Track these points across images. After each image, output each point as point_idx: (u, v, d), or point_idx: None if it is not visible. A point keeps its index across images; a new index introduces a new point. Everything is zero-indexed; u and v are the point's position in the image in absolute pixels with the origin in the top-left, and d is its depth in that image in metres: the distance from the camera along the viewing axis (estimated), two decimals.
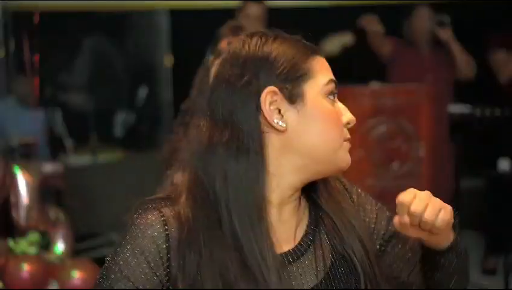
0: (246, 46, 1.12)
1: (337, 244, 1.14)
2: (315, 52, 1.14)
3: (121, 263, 1.08)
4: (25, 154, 4.03)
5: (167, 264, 1.07)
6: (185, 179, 1.12)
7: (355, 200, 1.21)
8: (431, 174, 2.86)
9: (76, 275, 2.97)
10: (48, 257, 3.47)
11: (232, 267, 1.04)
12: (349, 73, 4.20)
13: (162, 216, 1.08)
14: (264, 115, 1.08)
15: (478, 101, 3.89)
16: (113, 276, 1.08)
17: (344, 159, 1.12)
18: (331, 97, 1.13)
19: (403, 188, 3.25)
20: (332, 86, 1.13)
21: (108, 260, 1.11)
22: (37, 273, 3.30)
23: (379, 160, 2.82)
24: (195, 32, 5.17)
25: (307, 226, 1.15)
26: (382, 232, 1.20)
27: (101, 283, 1.10)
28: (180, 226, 1.08)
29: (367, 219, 1.20)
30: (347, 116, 1.14)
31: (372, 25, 4.26)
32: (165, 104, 5.38)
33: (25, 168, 3.51)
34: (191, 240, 1.06)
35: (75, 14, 5.45)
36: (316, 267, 1.12)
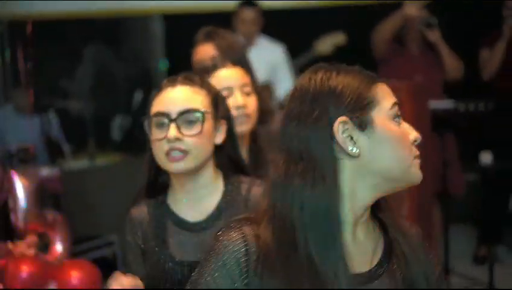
0: (313, 82, 1.19)
1: (406, 271, 1.19)
2: (376, 80, 1.22)
3: (206, 276, 1.17)
4: (23, 160, 4.05)
5: (246, 276, 1.15)
6: (264, 207, 1.20)
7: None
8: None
9: (75, 275, 3.02)
10: (47, 258, 3.52)
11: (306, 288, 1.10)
12: None
13: (243, 233, 1.17)
14: (338, 143, 1.16)
15: (463, 97, 3.95)
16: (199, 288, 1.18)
17: (416, 175, 1.20)
18: (397, 119, 1.21)
19: None
20: (396, 108, 1.21)
21: (194, 275, 1.20)
22: (36, 274, 3.35)
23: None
24: (189, 37, 5.20)
25: (383, 251, 1.21)
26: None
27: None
28: (259, 246, 1.16)
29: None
30: (413, 134, 1.21)
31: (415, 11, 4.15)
32: None
33: (22, 173, 3.56)
34: (268, 261, 1.14)
35: (69, 21, 5.49)
36: None
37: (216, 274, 1.17)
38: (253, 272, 1.15)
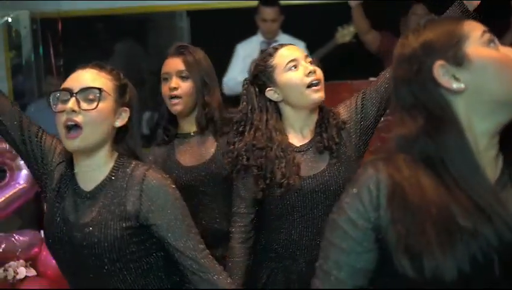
0: (405, 45, 1.27)
1: None
2: (461, 19, 1.28)
3: (343, 204, 1.25)
4: None
5: (377, 207, 1.20)
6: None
7: None
8: None
9: None
10: None
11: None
12: (351, 69, 4.32)
13: (377, 169, 1.23)
14: (444, 86, 1.21)
15: None
16: (338, 217, 1.25)
17: None
18: (492, 44, 1.23)
19: None
20: (487, 35, 1.24)
21: (335, 204, 1.28)
22: None
23: (378, 150, 2.87)
24: (212, 32, 5.29)
25: (502, 169, 1.25)
26: None
27: (331, 225, 1.26)
28: (392, 180, 1.20)
29: None
30: None
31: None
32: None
33: None
34: (400, 195, 1.18)
35: (97, 18, 5.61)
36: None
37: (350, 202, 1.23)
38: (385, 205, 1.19)
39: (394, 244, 1.17)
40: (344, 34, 4.75)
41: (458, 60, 1.22)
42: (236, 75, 4.65)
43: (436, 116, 1.20)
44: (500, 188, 1.22)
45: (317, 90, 2.12)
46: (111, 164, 1.80)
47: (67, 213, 1.79)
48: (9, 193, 3.43)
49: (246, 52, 4.65)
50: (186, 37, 5.64)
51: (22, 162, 3.48)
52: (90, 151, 1.77)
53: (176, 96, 2.46)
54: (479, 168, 1.19)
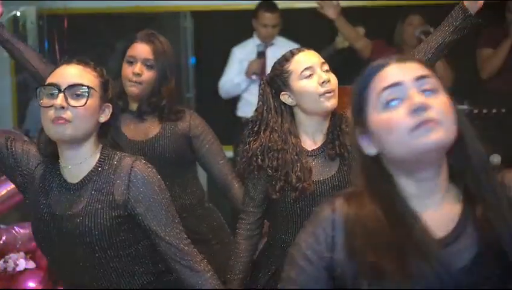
0: None
1: (487, 234, 1.20)
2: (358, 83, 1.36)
3: (301, 241, 1.32)
4: None
5: (332, 245, 1.26)
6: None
7: None
8: None
9: None
10: None
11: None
12: (353, 74, 4.34)
13: (334, 207, 1.28)
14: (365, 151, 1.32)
15: (479, 102, 4.02)
16: (295, 253, 1.31)
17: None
18: (393, 103, 1.25)
19: None
20: (385, 94, 1.27)
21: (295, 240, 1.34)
22: None
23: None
24: (216, 33, 5.31)
25: (459, 217, 1.25)
26: None
27: (289, 260, 1.33)
28: (347, 219, 1.25)
29: None
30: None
31: (330, 8, 4.33)
32: (187, 100, 5.48)
33: None
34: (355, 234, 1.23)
35: (103, 16, 5.63)
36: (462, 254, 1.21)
37: (306, 239, 1.29)
38: (342, 244, 1.23)
39: (353, 279, 1.22)
40: (343, 39, 4.79)
41: (364, 128, 1.26)
42: (232, 77, 4.66)
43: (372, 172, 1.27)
44: (454, 237, 1.22)
45: (330, 98, 2.15)
46: (97, 156, 1.85)
47: (54, 208, 1.84)
48: (11, 186, 3.45)
49: (242, 55, 4.66)
50: (189, 37, 5.66)
51: None
52: (76, 143, 1.80)
53: (136, 82, 2.57)
54: (409, 214, 1.21)
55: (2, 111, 5.66)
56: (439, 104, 1.21)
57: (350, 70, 5.22)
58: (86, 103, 1.76)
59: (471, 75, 4.39)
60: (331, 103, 2.15)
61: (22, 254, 3.41)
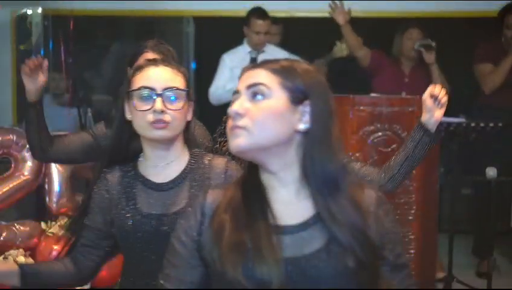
0: None
1: (334, 228, 1.30)
2: None
3: (177, 225, 1.42)
4: None
5: (200, 228, 1.36)
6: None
7: (371, 210, 1.35)
8: (422, 176, 2.92)
9: None
10: None
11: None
12: (354, 84, 4.40)
13: (206, 194, 1.40)
14: None
15: (477, 115, 4.07)
16: (173, 235, 1.42)
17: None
18: (259, 97, 1.35)
19: (396, 188, 3.39)
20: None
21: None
22: (65, 253, 3.53)
23: (375, 163, 2.92)
24: (217, 39, 5.35)
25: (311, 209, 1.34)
26: (388, 258, 1.35)
27: (169, 243, 1.42)
28: (215, 206, 1.37)
29: (377, 230, 1.34)
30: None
31: (340, 14, 4.40)
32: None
33: None
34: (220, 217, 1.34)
35: (108, 18, 5.68)
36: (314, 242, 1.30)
37: (181, 222, 1.40)
38: (207, 228, 1.35)
39: (212, 262, 1.31)
40: (342, 49, 4.82)
41: None
42: (224, 83, 4.68)
43: None
44: (296, 229, 1.31)
45: None
46: (186, 154, 1.87)
47: (145, 209, 1.80)
48: (13, 183, 3.46)
49: (233, 63, 4.66)
50: (191, 42, 5.71)
51: (27, 154, 3.49)
52: (170, 143, 1.82)
53: None
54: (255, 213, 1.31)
55: (3, 109, 5.68)
56: (254, 112, 1.31)
57: (347, 79, 5.33)
58: (183, 106, 1.80)
59: (468, 88, 4.45)
60: None
61: (21, 251, 3.43)
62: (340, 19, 4.40)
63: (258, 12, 4.62)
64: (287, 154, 1.31)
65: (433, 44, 4.30)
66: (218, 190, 1.40)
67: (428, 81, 4.25)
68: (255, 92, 1.31)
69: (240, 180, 1.39)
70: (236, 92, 1.34)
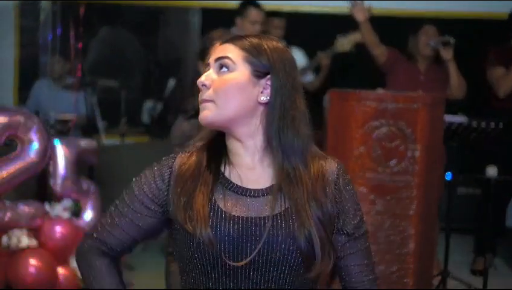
0: None
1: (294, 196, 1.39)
2: None
3: (142, 174, 1.48)
4: (61, 131, 4.20)
5: (167, 185, 1.45)
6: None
7: (339, 183, 1.44)
8: (424, 173, 2.93)
9: None
10: (78, 222, 3.73)
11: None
12: (360, 79, 4.42)
13: (174, 157, 1.48)
14: None
15: (478, 115, 4.10)
16: (135, 181, 1.49)
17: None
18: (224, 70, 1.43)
19: (398, 183, 3.46)
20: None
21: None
22: (68, 235, 3.55)
23: (379, 157, 2.88)
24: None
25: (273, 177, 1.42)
26: (346, 228, 1.44)
27: (130, 185, 1.50)
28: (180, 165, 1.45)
29: (339, 204, 1.43)
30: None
31: (360, 10, 4.39)
32: (189, 96, 5.49)
33: (63, 142, 3.76)
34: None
35: (117, 7, 5.71)
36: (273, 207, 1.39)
37: (147, 174, 1.47)
38: (173, 185, 1.44)
39: (177, 218, 1.41)
40: (343, 43, 4.82)
41: None
42: None
43: None
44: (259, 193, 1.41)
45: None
46: None
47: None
48: (19, 165, 3.47)
49: None
50: (196, 33, 5.73)
51: (34, 136, 3.50)
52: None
53: None
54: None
55: (4, 89, 5.66)
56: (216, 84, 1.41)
57: (349, 73, 5.34)
58: None
59: (471, 89, 4.46)
60: None
61: (25, 231, 3.45)
62: (360, 16, 4.38)
63: (253, 3, 4.61)
64: (252, 123, 1.41)
65: (452, 40, 4.23)
66: (186, 154, 1.48)
67: (444, 80, 4.27)
68: (221, 64, 1.41)
69: (206, 145, 1.47)
70: (207, 65, 1.44)
